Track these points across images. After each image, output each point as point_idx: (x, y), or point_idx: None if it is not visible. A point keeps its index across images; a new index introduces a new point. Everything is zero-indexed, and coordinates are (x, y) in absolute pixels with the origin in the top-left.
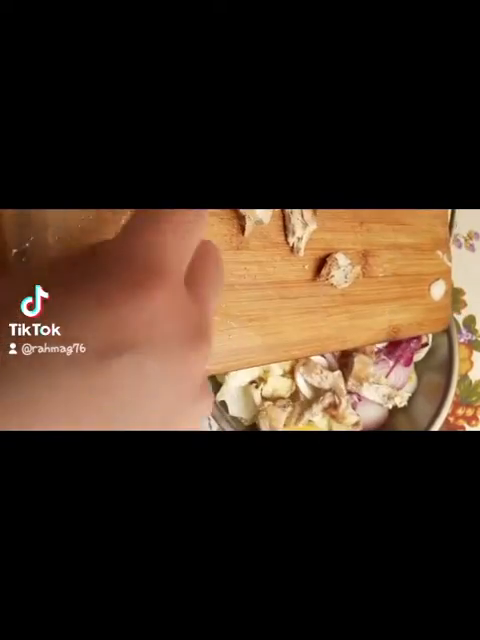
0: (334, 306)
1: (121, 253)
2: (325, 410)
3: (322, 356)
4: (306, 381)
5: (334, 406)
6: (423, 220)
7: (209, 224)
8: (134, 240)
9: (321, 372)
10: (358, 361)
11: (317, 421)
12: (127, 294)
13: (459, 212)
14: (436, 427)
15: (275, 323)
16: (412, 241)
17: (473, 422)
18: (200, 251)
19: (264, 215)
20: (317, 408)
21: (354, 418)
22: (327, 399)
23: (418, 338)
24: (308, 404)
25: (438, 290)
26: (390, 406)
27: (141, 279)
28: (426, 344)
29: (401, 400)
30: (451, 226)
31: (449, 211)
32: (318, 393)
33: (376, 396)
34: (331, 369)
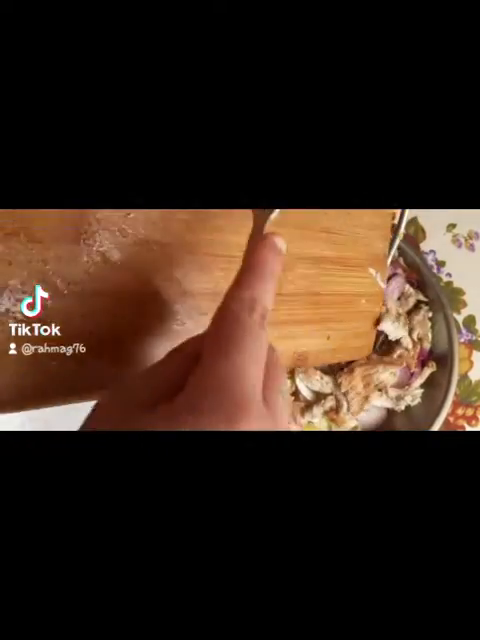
0: None
1: (205, 389)
2: (326, 413)
3: None
4: (307, 386)
5: (335, 410)
6: (357, 231)
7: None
8: (214, 375)
9: (321, 378)
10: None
11: (316, 423)
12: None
13: (418, 214)
14: (436, 427)
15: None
16: (337, 254)
17: (473, 422)
18: (267, 362)
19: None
20: (317, 410)
21: (353, 422)
22: (328, 403)
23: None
24: (308, 405)
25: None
26: (402, 407)
27: (230, 416)
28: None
29: (413, 398)
30: (392, 242)
31: (391, 224)
32: (319, 395)
33: (385, 402)
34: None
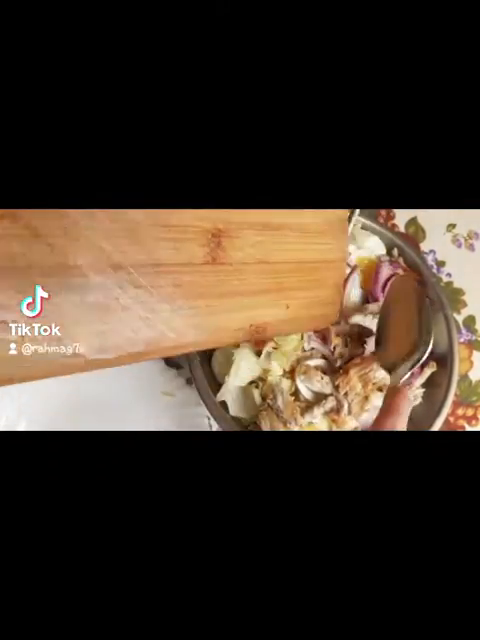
0: (173, 300)
1: None
2: (326, 414)
3: (323, 358)
4: (307, 387)
5: (336, 411)
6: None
7: None
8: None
9: (322, 378)
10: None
11: (317, 423)
12: None
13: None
14: (436, 427)
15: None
16: (294, 221)
17: (473, 422)
18: None
19: None
20: (318, 411)
21: (353, 423)
22: (329, 403)
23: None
24: (308, 406)
25: None
26: None
27: None
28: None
29: (415, 398)
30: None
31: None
32: (319, 396)
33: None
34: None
